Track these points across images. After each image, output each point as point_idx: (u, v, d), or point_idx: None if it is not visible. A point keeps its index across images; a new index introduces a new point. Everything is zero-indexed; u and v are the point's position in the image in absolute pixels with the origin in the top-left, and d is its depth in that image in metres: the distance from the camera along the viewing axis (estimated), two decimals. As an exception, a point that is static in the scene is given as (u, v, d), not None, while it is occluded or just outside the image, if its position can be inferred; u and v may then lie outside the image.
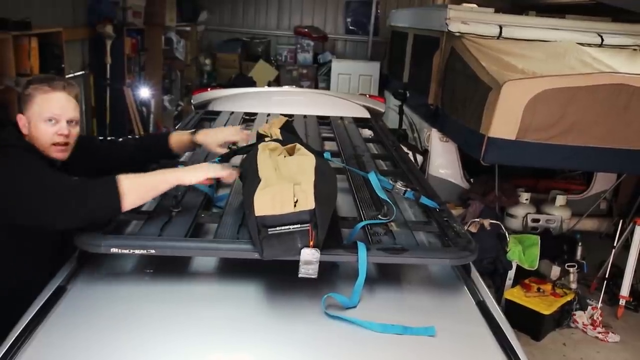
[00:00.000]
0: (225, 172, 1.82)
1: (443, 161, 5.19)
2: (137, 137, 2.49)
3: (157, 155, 2.34)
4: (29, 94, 1.92)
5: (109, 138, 2.39)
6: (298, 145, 1.90)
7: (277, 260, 1.49)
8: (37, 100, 1.91)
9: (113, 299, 1.57)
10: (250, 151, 1.99)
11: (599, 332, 4.23)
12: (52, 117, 1.91)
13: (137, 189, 1.66)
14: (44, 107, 1.91)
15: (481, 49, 4.58)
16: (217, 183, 2.19)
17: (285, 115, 2.61)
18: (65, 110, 1.95)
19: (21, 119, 1.93)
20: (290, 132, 2.33)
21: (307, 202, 1.45)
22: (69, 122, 1.95)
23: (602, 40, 4.93)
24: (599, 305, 4.36)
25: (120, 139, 2.41)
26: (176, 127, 3.46)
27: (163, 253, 1.59)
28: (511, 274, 4.39)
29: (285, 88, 6.53)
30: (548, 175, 5.52)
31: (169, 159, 2.34)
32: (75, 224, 1.64)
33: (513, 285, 4.40)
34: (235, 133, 2.33)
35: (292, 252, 1.47)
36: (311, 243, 1.46)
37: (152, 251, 1.56)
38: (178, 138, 2.35)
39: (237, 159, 2.42)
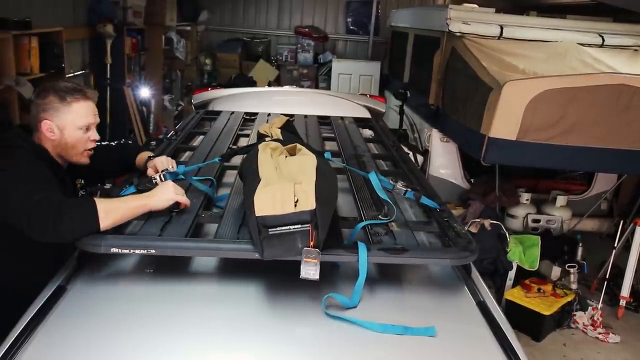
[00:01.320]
0: (185, 199, 1.83)
1: (443, 161, 5.18)
2: (118, 143, 2.51)
3: (129, 166, 2.35)
4: (67, 102, 1.97)
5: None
6: (299, 145, 1.89)
7: (277, 260, 1.49)
8: (73, 108, 1.98)
9: (113, 299, 1.57)
10: (250, 151, 1.98)
11: (600, 333, 4.23)
12: (87, 124, 2.02)
13: (113, 213, 1.66)
14: (80, 116, 1.99)
15: (482, 49, 4.57)
16: (217, 183, 2.19)
17: (285, 115, 2.62)
18: (96, 117, 2.06)
19: (47, 125, 1.97)
20: (291, 132, 2.34)
21: (308, 202, 1.45)
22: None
23: (603, 40, 4.93)
24: (600, 305, 4.35)
25: (105, 143, 2.44)
26: (176, 127, 3.45)
27: (163, 253, 1.58)
28: (511, 274, 4.39)
29: (286, 88, 6.53)
30: (549, 176, 5.51)
31: (129, 171, 2.35)
32: (51, 240, 1.65)
33: (513, 286, 4.40)
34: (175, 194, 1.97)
35: (292, 252, 1.47)
36: (311, 243, 1.46)
37: (152, 251, 1.56)
38: (140, 156, 2.33)
39: (237, 159, 2.43)
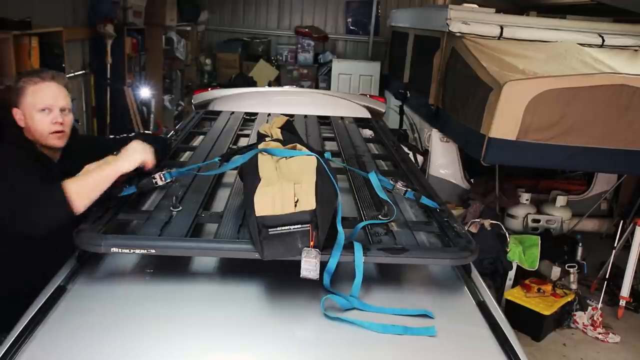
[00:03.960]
0: (151, 157, 1.92)
1: (443, 161, 5.19)
2: (120, 137, 2.53)
3: None
4: (21, 86, 1.99)
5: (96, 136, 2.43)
6: (299, 145, 1.89)
7: (277, 260, 1.49)
8: (29, 92, 1.98)
9: (113, 299, 1.57)
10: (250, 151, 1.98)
11: (599, 333, 4.23)
12: (45, 107, 1.99)
13: (84, 191, 1.71)
14: (37, 98, 1.98)
15: (482, 49, 4.58)
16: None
17: (285, 115, 2.61)
18: (57, 99, 2.02)
19: (17, 113, 2.00)
20: (291, 131, 2.33)
21: (308, 203, 1.45)
22: (62, 110, 2.03)
23: (603, 40, 4.93)
24: (599, 305, 4.36)
25: (111, 137, 2.44)
26: (177, 127, 3.46)
27: (163, 253, 1.58)
28: (511, 274, 4.39)
29: (286, 88, 6.54)
30: (549, 176, 5.52)
31: None
32: (34, 232, 1.70)
33: (513, 286, 4.40)
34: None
35: (292, 252, 1.47)
36: (312, 243, 1.46)
37: (152, 251, 1.56)
38: None
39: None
